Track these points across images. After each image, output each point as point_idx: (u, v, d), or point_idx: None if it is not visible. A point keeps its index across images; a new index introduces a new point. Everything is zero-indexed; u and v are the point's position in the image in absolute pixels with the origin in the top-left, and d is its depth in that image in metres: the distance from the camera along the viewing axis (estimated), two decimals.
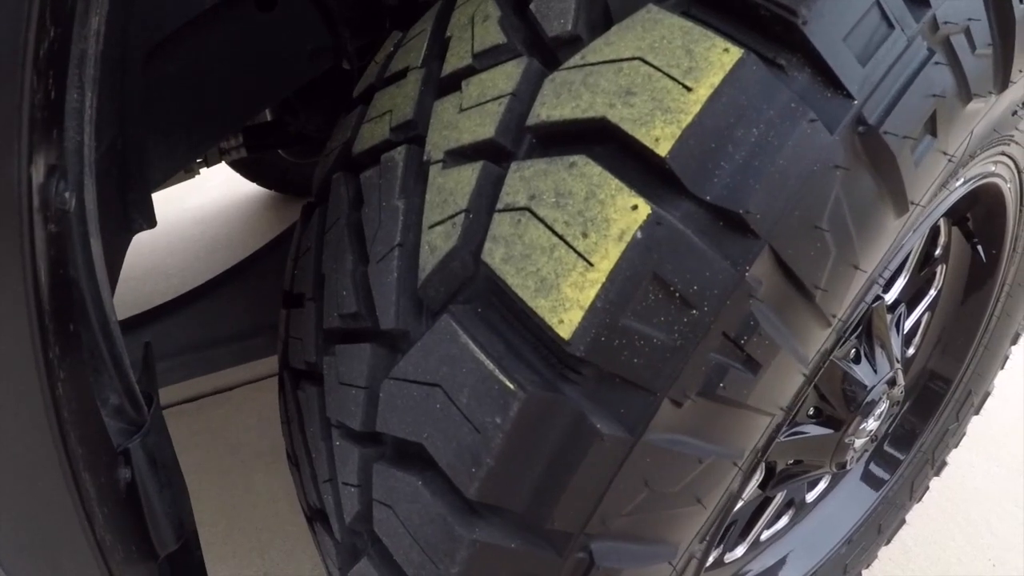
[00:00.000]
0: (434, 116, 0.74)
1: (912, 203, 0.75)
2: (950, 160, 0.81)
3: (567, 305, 0.60)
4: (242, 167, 3.25)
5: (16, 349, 0.58)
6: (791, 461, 1.19)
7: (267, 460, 1.77)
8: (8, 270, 0.55)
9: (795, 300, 0.67)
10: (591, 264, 0.59)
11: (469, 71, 0.74)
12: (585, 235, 0.60)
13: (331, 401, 0.78)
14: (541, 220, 0.62)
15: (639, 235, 0.59)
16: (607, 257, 0.59)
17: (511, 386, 0.61)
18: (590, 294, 0.60)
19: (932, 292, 1.41)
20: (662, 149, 0.59)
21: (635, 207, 0.59)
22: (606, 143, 0.63)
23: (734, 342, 0.64)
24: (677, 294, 0.60)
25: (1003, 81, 0.86)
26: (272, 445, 1.79)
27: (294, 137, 1.67)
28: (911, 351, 1.49)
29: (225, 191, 3.64)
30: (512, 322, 0.65)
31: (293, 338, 0.90)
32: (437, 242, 0.68)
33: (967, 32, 0.75)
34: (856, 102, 0.64)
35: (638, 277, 0.59)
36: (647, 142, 0.60)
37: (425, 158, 0.73)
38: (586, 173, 0.61)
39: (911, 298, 1.38)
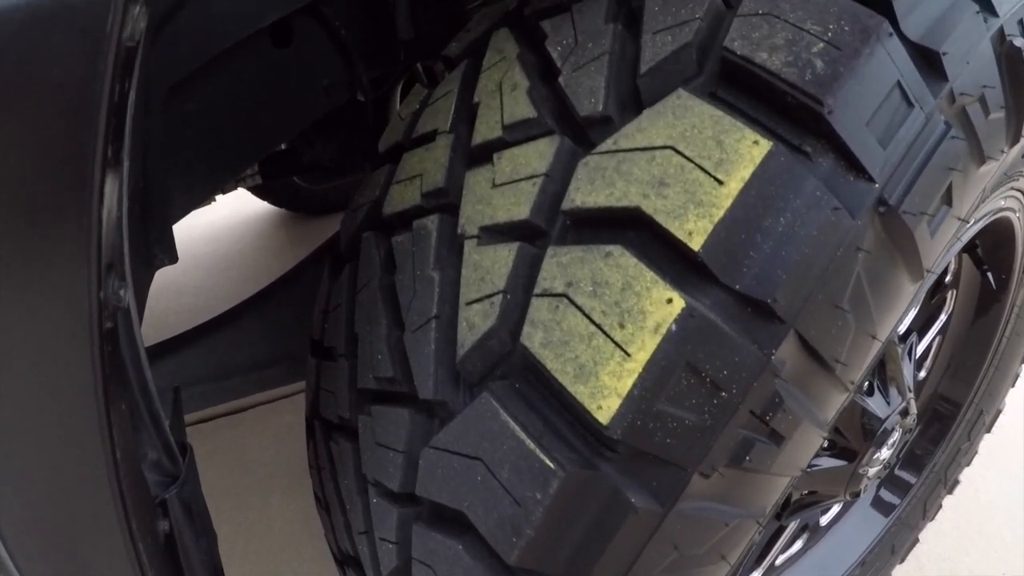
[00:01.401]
0: (467, 188, 0.79)
1: (927, 270, 0.80)
2: (963, 221, 0.86)
3: (605, 392, 0.65)
4: (254, 187, 3.29)
5: (81, 426, 0.64)
6: (806, 492, 1.25)
7: (283, 481, 1.82)
8: (78, 384, 0.60)
9: (817, 374, 0.73)
10: (628, 354, 0.65)
11: (500, 143, 0.79)
12: (622, 325, 0.65)
13: (367, 459, 0.83)
14: (579, 308, 0.67)
15: (674, 327, 0.64)
16: (643, 349, 0.64)
17: (551, 464, 0.67)
18: (627, 383, 0.65)
19: (943, 317, 1.47)
20: (695, 243, 0.65)
21: (670, 300, 0.64)
22: (640, 231, 0.68)
23: (760, 418, 0.70)
24: (708, 379, 0.66)
25: (1015, 137, 0.91)
26: (287, 466, 1.84)
27: (308, 165, 1.72)
28: (922, 374, 1.55)
29: (237, 209, 3.69)
30: (549, 400, 0.70)
31: (325, 390, 0.95)
32: (475, 320, 0.73)
33: (982, 99, 0.80)
34: (877, 185, 0.69)
35: (672, 366, 0.65)
36: (681, 235, 0.65)
37: (459, 231, 0.78)
38: (622, 264, 0.66)
39: (922, 325, 1.43)
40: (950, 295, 1.45)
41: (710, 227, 0.65)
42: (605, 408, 0.65)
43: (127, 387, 0.72)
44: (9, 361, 0.60)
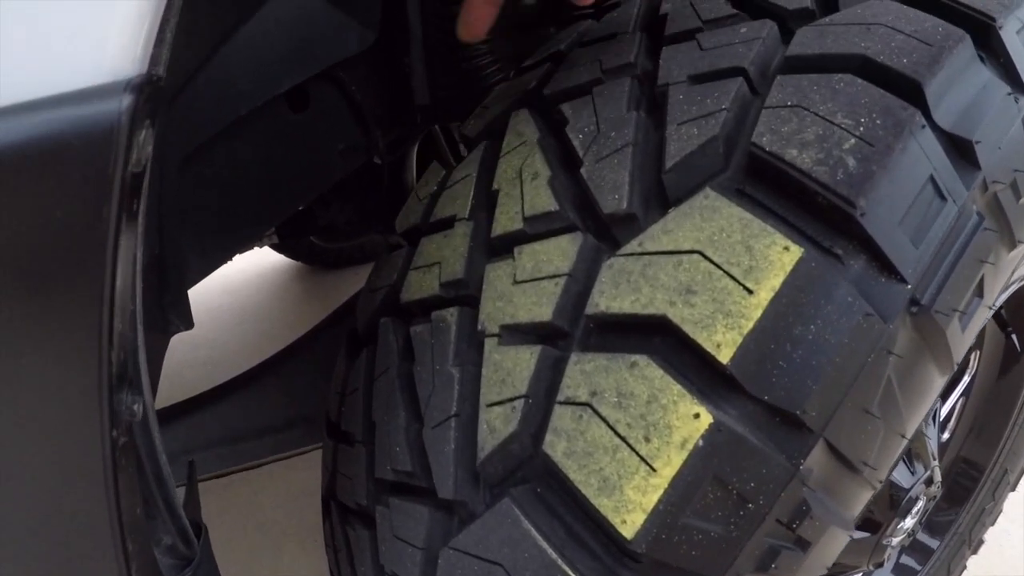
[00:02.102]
0: (487, 282, 0.77)
1: (956, 363, 0.78)
2: (992, 307, 0.84)
3: (630, 507, 0.63)
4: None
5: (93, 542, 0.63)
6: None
7: (296, 539, 1.80)
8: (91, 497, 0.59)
9: (845, 478, 0.71)
10: (654, 470, 0.63)
11: (522, 236, 0.77)
12: (648, 439, 0.63)
13: (385, 551, 0.81)
14: (603, 419, 0.65)
15: (700, 443, 0.62)
16: (670, 464, 0.62)
17: (572, 575, 0.65)
18: (653, 498, 0.63)
19: (966, 378, 1.45)
20: (724, 356, 0.63)
21: (697, 415, 0.62)
22: (667, 339, 0.66)
23: (787, 526, 0.68)
24: (735, 491, 0.64)
25: None
26: (301, 524, 1.83)
27: (324, 227, 1.71)
28: (946, 435, 1.52)
29: (254, 261, 3.68)
30: (572, 508, 0.68)
31: (342, 474, 0.93)
32: (496, 423, 0.71)
33: (1013, 184, 0.78)
34: (910, 286, 0.66)
35: (699, 481, 0.63)
36: (709, 347, 0.63)
37: (480, 327, 0.76)
38: (648, 375, 0.64)
39: (946, 388, 1.41)
40: (974, 356, 1.43)
41: (739, 339, 0.63)
42: (630, 523, 0.63)
43: (143, 479, 0.71)
44: (19, 481, 0.59)
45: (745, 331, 0.63)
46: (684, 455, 0.62)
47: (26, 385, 0.54)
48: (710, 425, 0.62)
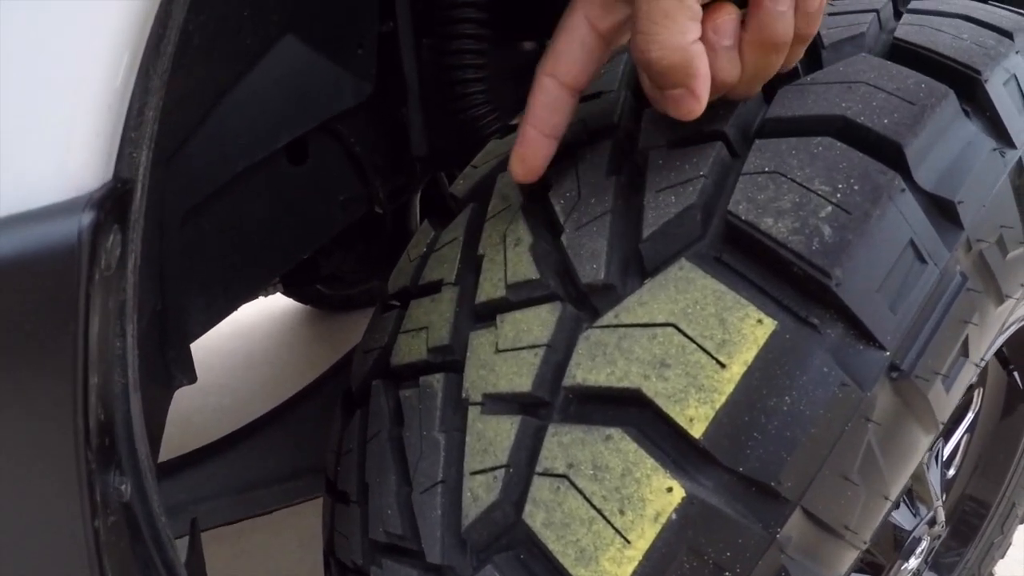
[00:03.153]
0: (471, 349, 0.78)
1: (941, 423, 0.78)
2: (979, 364, 0.84)
3: None
4: None
5: None
6: None
7: None
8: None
9: (826, 542, 0.71)
10: (628, 542, 0.63)
11: (504, 304, 0.77)
12: (622, 512, 0.64)
13: None
14: (580, 491, 0.66)
15: (674, 516, 0.62)
16: (643, 536, 0.63)
17: None
18: (628, 569, 0.63)
19: (970, 415, 1.44)
20: (696, 430, 0.63)
21: (670, 489, 0.63)
22: (642, 412, 0.66)
23: None
24: (711, 560, 0.64)
25: None
26: (311, 570, 1.83)
27: (328, 276, 1.73)
28: (951, 472, 1.52)
29: (263, 306, 3.71)
30: (552, 574, 0.69)
31: (339, 532, 0.94)
32: (479, 492, 0.71)
33: (999, 240, 0.77)
34: (888, 353, 0.66)
35: (673, 552, 0.63)
36: (681, 421, 0.64)
37: (464, 395, 0.77)
38: (622, 449, 0.65)
39: (948, 427, 1.40)
40: (977, 394, 1.42)
41: (712, 413, 0.63)
42: None
43: (140, 545, 0.72)
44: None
45: (718, 405, 0.63)
46: (657, 528, 0.63)
47: (6, 479, 0.55)
48: (683, 499, 0.62)
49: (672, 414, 0.64)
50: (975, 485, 1.52)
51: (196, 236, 1.12)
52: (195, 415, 2.39)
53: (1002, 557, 1.64)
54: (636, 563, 0.63)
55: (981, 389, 1.41)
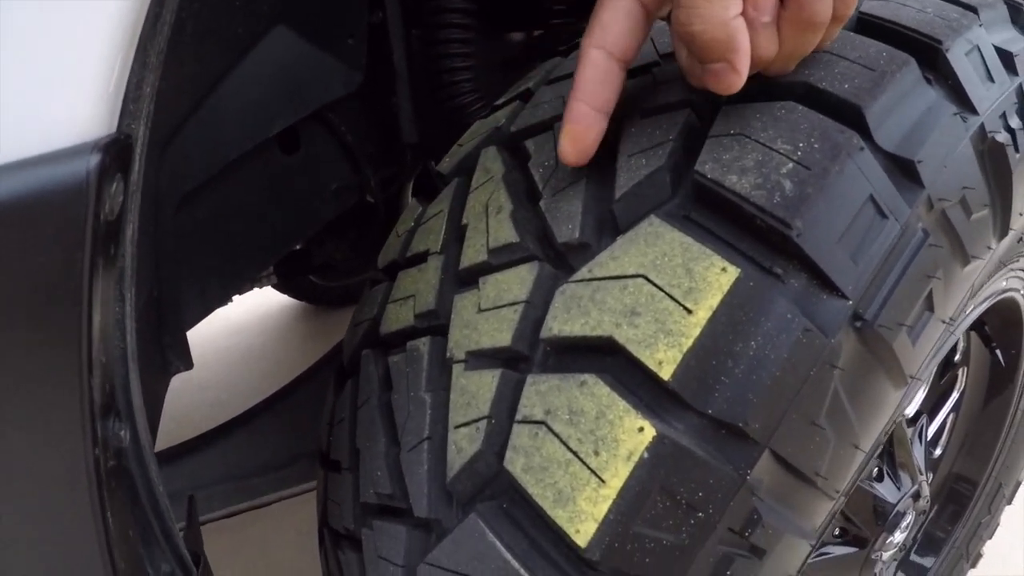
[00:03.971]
0: (455, 312, 0.82)
1: (911, 377, 0.82)
2: (950, 322, 0.88)
3: (583, 517, 0.68)
4: None
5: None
6: None
7: None
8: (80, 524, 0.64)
9: (797, 488, 0.75)
10: (603, 481, 0.67)
11: (486, 268, 0.82)
12: (597, 453, 0.68)
13: (371, 572, 0.86)
14: (557, 435, 0.70)
15: (646, 455, 0.66)
16: (617, 475, 0.67)
17: None
18: (603, 508, 0.67)
19: (955, 395, 1.48)
20: (665, 372, 0.67)
21: (641, 429, 0.67)
22: (615, 359, 0.71)
23: (739, 534, 0.72)
24: (683, 500, 0.68)
25: (1002, 231, 0.92)
26: (311, 561, 1.86)
27: (321, 265, 1.77)
28: (938, 452, 1.55)
29: (258, 302, 3.77)
30: (533, 520, 0.72)
31: (332, 501, 0.98)
32: (463, 444, 0.76)
33: (962, 201, 0.82)
34: (851, 302, 0.71)
35: (646, 491, 0.67)
36: (651, 364, 0.68)
37: (448, 355, 0.81)
38: (595, 393, 0.69)
39: (933, 405, 1.44)
40: (961, 372, 1.46)
41: (679, 356, 0.67)
42: (583, 532, 0.68)
43: (138, 508, 0.76)
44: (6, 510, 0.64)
45: (685, 348, 0.67)
46: (630, 467, 0.67)
47: (14, 412, 0.60)
48: (654, 438, 0.66)
49: (642, 358, 0.68)
50: (962, 464, 1.55)
51: (190, 224, 1.16)
52: (192, 411, 2.42)
53: (990, 537, 1.67)
54: (611, 501, 0.67)
55: (965, 368, 1.45)
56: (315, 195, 1.29)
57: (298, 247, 1.87)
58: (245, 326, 3.60)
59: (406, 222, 1.03)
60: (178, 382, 1.15)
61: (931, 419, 1.45)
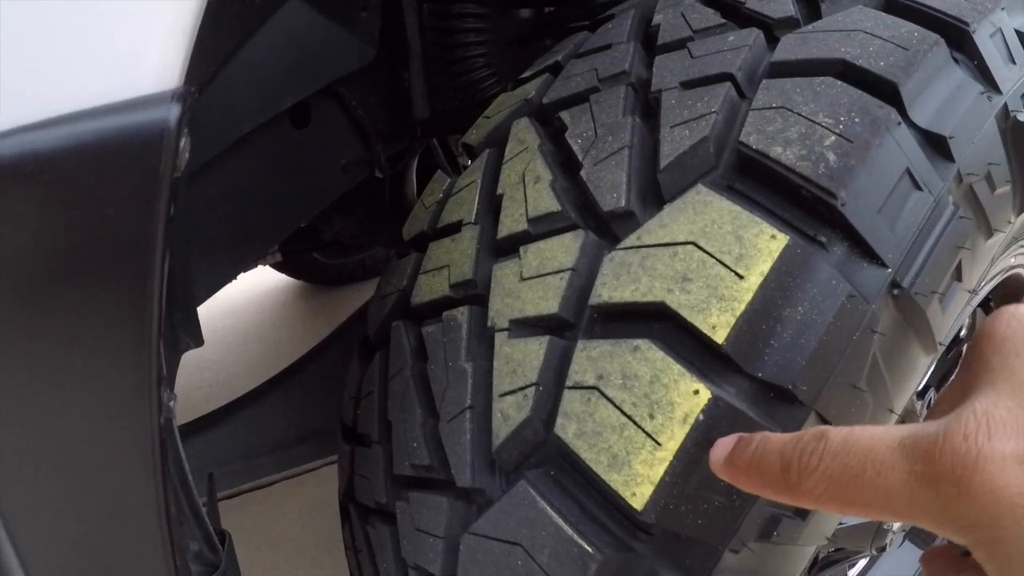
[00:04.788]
0: (494, 280, 0.85)
1: (940, 343, 0.85)
2: (972, 292, 0.91)
3: (639, 480, 0.71)
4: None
5: (146, 536, 0.70)
6: (833, 550, 1.29)
7: (311, 556, 1.86)
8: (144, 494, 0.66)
9: None
10: (659, 444, 0.70)
11: (526, 237, 0.84)
12: (652, 416, 0.71)
13: (407, 544, 0.88)
14: (610, 400, 0.72)
15: (701, 417, 0.69)
16: (673, 438, 0.70)
17: (589, 549, 0.72)
18: (659, 471, 0.70)
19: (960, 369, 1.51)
20: (719, 336, 0.70)
21: (696, 392, 0.69)
22: (666, 324, 0.73)
23: None
24: None
25: (1021, 206, 0.96)
26: (316, 540, 1.89)
27: (328, 242, 1.78)
28: None
29: (255, 282, 3.81)
30: (584, 486, 0.75)
31: (360, 476, 1.00)
32: (510, 412, 0.78)
33: (987, 176, 0.85)
34: (890, 270, 0.74)
35: (701, 452, 0.70)
36: (705, 329, 0.70)
37: (489, 324, 0.83)
38: (649, 358, 0.72)
39: (941, 379, 1.48)
40: (966, 348, 1.50)
41: (732, 320, 0.70)
42: (639, 495, 0.71)
43: (167, 478, 0.77)
44: (73, 471, 0.65)
45: (738, 313, 0.70)
46: (687, 429, 0.69)
47: (84, 373, 0.61)
48: (709, 400, 0.69)
49: (696, 323, 0.71)
50: None
51: (201, 199, 1.17)
52: (192, 391, 2.44)
53: None
54: (667, 464, 0.70)
55: (969, 343, 1.49)
56: (325, 170, 1.30)
57: (305, 224, 1.88)
58: (243, 306, 3.62)
59: (434, 194, 1.05)
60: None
61: (938, 393, 1.49)
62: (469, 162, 1.04)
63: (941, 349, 0.87)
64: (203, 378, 2.63)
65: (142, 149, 0.55)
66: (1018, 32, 0.94)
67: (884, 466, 0.48)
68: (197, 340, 1.15)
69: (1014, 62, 0.91)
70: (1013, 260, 1.20)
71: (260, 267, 3.23)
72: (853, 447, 0.50)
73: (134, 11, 0.55)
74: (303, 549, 1.89)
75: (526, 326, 0.81)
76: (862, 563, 1.60)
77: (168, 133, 0.55)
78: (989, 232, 0.89)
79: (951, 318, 0.87)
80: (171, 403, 0.71)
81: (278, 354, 2.58)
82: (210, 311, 3.42)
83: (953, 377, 0.54)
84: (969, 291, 0.89)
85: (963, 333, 1.47)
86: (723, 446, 0.60)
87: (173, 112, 0.55)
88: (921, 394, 1.42)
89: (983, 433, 0.44)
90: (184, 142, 0.59)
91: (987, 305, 1.42)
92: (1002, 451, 0.43)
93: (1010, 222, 0.94)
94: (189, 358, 1.13)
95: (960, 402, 0.48)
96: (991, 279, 1.17)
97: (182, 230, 1.08)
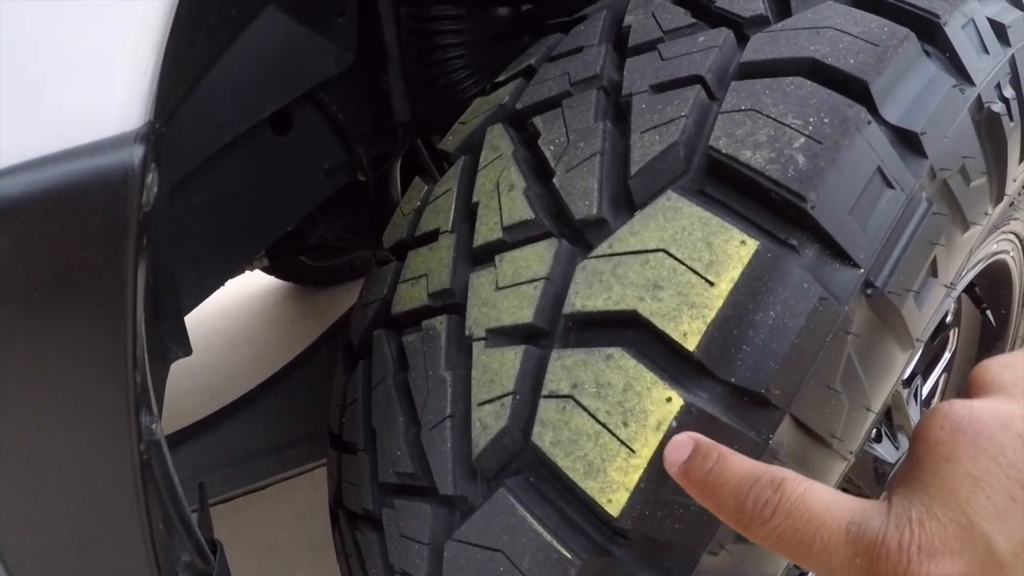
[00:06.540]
0: (471, 290, 0.85)
1: (917, 340, 0.86)
2: (950, 286, 0.92)
3: (614, 487, 0.71)
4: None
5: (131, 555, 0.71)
6: None
7: (307, 557, 1.88)
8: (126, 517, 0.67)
9: (815, 450, 0.79)
10: (633, 451, 0.71)
11: (501, 245, 0.85)
12: (626, 424, 0.71)
13: (394, 551, 0.89)
14: (585, 409, 0.73)
15: (674, 423, 0.70)
16: (647, 445, 0.71)
17: (568, 555, 0.73)
18: (634, 477, 0.71)
19: (947, 355, 1.53)
20: (690, 344, 0.71)
21: (669, 399, 0.70)
22: (638, 332, 0.74)
23: None
24: None
25: (998, 197, 0.97)
26: (311, 542, 1.90)
27: (313, 245, 1.79)
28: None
29: (245, 284, 3.82)
30: (562, 492, 0.76)
31: (347, 483, 1.01)
32: (488, 420, 0.79)
33: (962, 170, 0.86)
34: (862, 270, 0.75)
35: None
36: (676, 336, 0.71)
37: (467, 333, 0.84)
38: (622, 366, 0.72)
39: (927, 366, 1.50)
40: (953, 333, 1.51)
41: (704, 327, 0.71)
42: (615, 501, 0.72)
43: (156, 493, 0.78)
44: (56, 496, 0.66)
45: (709, 320, 0.71)
46: (660, 436, 0.70)
47: (63, 406, 0.62)
48: (681, 407, 0.70)
49: (667, 330, 0.72)
50: None
51: (185, 209, 1.18)
52: (184, 396, 2.45)
53: None
54: (642, 470, 0.71)
55: (957, 329, 1.50)
56: (308, 175, 1.31)
57: (290, 228, 1.89)
58: (233, 309, 3.63)
59: (411, 201, 1.06)
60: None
61: (924, 380, 1.50)
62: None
63: (919, 345, 0.88)
64: (195, 382, 2.64)
65: (107, 193, 0.56)
66: (991, 20, 0.94)
67: (830, 545, 0.50)
68: (185, 350, 1.16)
69: (987, 52, 0.91)
70: (995, 246, 1.21)
71: (252, 270, 3.24)
72: (806, 514, 0.52)
73: (93, 57, 0.55)
74: (299, 551, 1.91)
75: (502, 335, 0.82)
76: None
77: (132, 174, 0.56)
78: (966, 226, 0.89)
79: (928, 315, 0.87)
80: (154, 426, 0.72)
81: (270, 356, 2.59)
82: (201, 316, 3.39)
83: (907, 452, 0.55)
84: (946, 286, 0.90)
85: (949, 319, 1.48)
86: (678, 447, 0.62)
87: (136, 153, 0.56)
88: (907, 382, 1.43)
89: (915, 544, 0.47)
90: (152, 177, 0.60)
91: (972, 290, 1.43)
92: (929, 572, 0.46)
93: (987, 214, 0.95)
94: (181, 363, 1.13)
95: (908, 482, 0.51)
96: (971, 269, 1.17)
97: (166, 242, 1.09)
